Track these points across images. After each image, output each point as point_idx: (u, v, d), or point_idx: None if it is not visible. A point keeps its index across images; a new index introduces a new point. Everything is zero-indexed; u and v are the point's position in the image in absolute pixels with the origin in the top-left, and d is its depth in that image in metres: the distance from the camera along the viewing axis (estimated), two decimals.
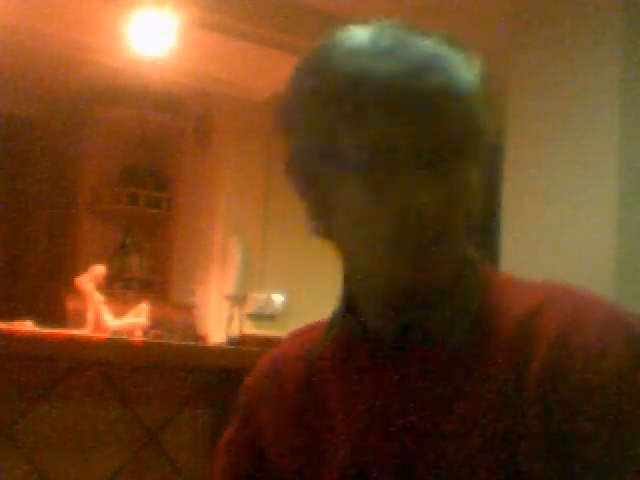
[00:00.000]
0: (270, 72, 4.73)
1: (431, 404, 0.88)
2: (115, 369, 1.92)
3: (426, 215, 0.84)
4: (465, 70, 0.86)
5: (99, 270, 3.13)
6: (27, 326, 2.41)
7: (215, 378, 1.99)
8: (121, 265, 5.81)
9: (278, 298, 5.06)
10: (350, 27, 0.92)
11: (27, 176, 5.89)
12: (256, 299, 5.06)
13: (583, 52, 3.22)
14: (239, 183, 5.33)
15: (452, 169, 0.86)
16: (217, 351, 2.21)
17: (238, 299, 5.01)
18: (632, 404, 0.79)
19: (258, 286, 5.15)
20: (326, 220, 0.93)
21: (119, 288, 5.58)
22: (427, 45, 0.86)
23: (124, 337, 2.77)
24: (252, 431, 1.04)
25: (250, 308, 5.05)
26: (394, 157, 0.84)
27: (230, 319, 4.80)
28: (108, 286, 4.26)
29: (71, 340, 2.01)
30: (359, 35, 0.89)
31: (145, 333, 3.10)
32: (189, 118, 5.76)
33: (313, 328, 1.05)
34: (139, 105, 5.62)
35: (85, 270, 3.15)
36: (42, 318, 2.62)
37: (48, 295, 5.24)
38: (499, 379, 0.86)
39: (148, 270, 5.94)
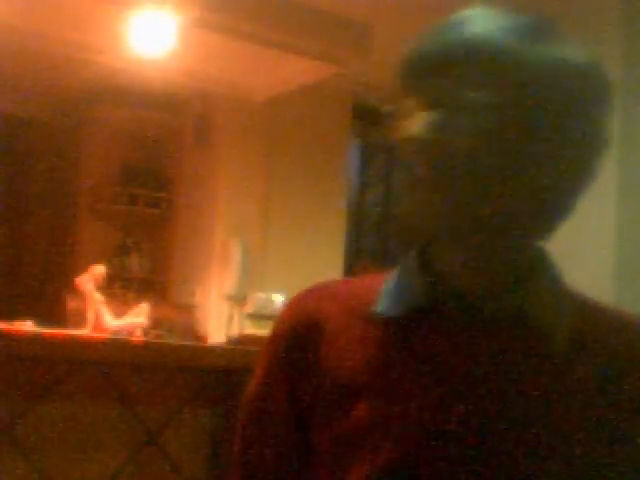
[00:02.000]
0: (270, 72, 4.73)
1: (516, 377, 0.90)
2: (115, 369, 1.92)
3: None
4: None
5: (99, 270, 3.13)
6: (27, 326, 2.42)
7: (215, 378, 2.00)
8: (121, 265, 5.81)
9: (278, 298, 5.05)
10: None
11: (27, 176, 5.89)
12: (256, 299, 5.05)
13: None
14: (239, 183, 5.33)
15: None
16: (217, 351, 2.21)
17: (238, 299, 5.01)
18: None
19: (258, 286, 5.15)
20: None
21: (119, 288, 5.58)
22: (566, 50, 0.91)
23: (124, 337, 2.77)
24: (300, 370, 0.97)
25: (250, 308, 5.04)
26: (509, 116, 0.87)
27: (230, 319, 4.80)
28: (108, 286, 4.25)
29: (71, 340, 2.01)
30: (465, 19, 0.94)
31: (145, 333, 3.10)
32: (189, 118, 5.76)
33: (356, 280, 1.04)
34: (139, 105, 5.62)
35: (85, 270, 3.15)
36: (42, 318, 2.62)
37: (48, 295, 5.24)
38: (591, 381, 0.91)
39: (148, 270, 5.94)
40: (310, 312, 0.99)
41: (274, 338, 1.02)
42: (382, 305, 0.96)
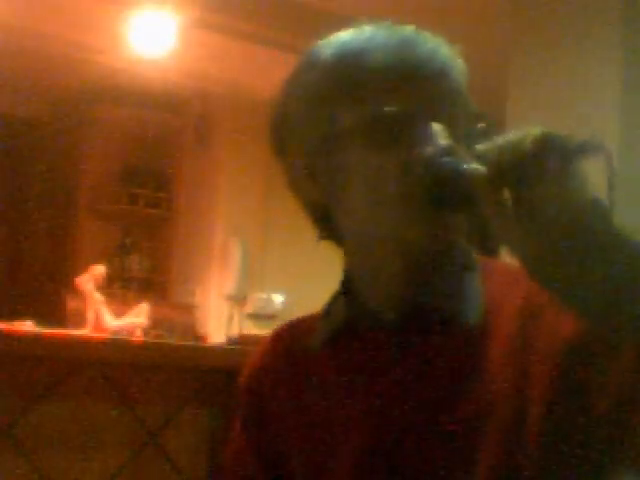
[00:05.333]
0: (270, 72, 4.73)
1: (441, 388, 0.90)
2: (115, 369, 1.92)
3: (432, 165, 0.86)
4: (446, 48, 0.94)
5: (99, 270, 3.13)
6: (27, 326, 2.41)
7: (215, 378, 2.00)
8: (121, 265, 5.81)
9: (278, 298, 5.06)
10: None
11: (27, 176, 5.89)
12: (256, 299, 5.06)
13: (583, 52, 3.21)
14: (239, 183, 5.33)
15: (450, 126, 0.90)
16: (217, 351, 2.21)
17: (238, 299, 5.01)
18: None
19: (258, 286, 5.15)
20: (331, 209, 0.96)
21: (119, 288, 5.58)
22: (408, 29, 0.95)
23: (124, 337, 2.77)
24: (258, 431, 1.03)
25: (250, 308, 5.05)
26: (394, 118, 0.89)
27: (230, 319, 4.80)
28: (108, 286, 4.25)
29: (71, 340, 2.01)
30: (343, 32, 0.97)
31: (145, 333, 3.10)
32: (189, 118, 5.76)
33: (301, 321, 1.06)
34: (139, 105, 5.62)
35: (85, 270, 3.15)
36: (42, 318, 2.62)
37: (48, 295, 5.24)
38: (505, 362, 0.88)
39: (148, 270, 5.94)
40: (264, 367, 1.04)
41: (238, 396, 1.08)
42: (315, 337, 1.00)
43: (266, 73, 4.88)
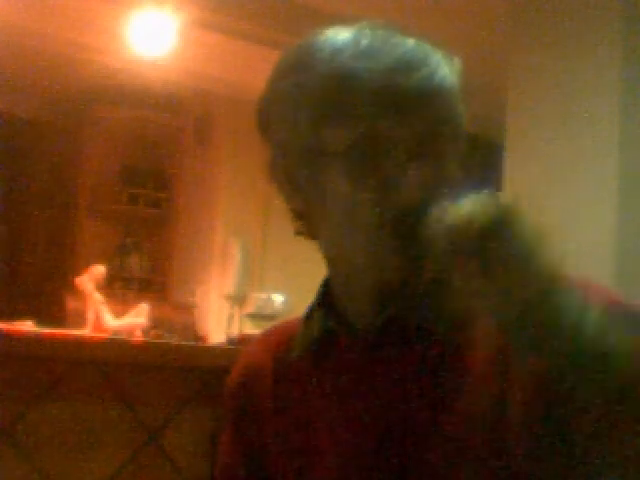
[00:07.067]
0: (270, 72, 4.73)
1: (422, 398, 0.89)
2: (115, 369, 1.92)
3: (409, 200, 0.85)
4: (444, 67, 0.90)
5: (99, 270, 3.13)
6: (27, 326, 2.41)
7: (215, 378, 1.99)
8: (121, 265, 5.81)
9: (278, 298, 5.05)
10: (331, 28, 0.94)
11: (27, 176, 5.89)
12: (256, 299, 5.05)
13: (583, 52, 3.21)
14: (239, 183, 5.33)
15: (435, 158, 0.88)
16: (217, 351, 2.21)
17: (238, 299, 5.00)
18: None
19: (258, 286, 5.15)
20: (310, 217, 0.97)
21: (119, 288, 5.58)
22: (407, 44, 0.90)
23: (124, 337, 2.77)
24: (244, 435, 1.03)
25: (250, 308, 5.04)
26: (378, 147, 0.87)
27: (230, 319, 4.80)
28: (108, 286, 4.25)
29: (71, 340, 2.01)
30: (340, 35, 0.92)
31: (145, 333, 3.10)
32: (189, 118, 5.76)
33: (290, 323, 1.06)
34: (139, 105, 5.62)
35: (85, 270, 3.15)
36: (42, 318, 2.62)
37: (48, 295, 5.24)
38: (484, 368, 0.87)
39: (148, 270, 5.94)
40: (252, 369, 1.03)
41: (225, 398, 1.07)
42: (295, 345, 0.99)
43: (266, 73, 4.89)
